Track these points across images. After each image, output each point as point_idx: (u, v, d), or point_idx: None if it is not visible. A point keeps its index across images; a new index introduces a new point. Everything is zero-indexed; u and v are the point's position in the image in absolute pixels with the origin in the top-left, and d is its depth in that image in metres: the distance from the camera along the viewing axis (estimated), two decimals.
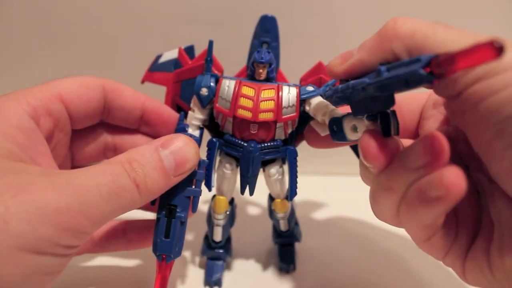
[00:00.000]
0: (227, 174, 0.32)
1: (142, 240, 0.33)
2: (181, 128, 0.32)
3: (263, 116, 0.30)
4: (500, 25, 0.49)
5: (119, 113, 0.31)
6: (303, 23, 0.48)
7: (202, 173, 0.29)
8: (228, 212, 0.34)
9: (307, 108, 0.31)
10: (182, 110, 0.34)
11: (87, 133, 0.32)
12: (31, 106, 0.26)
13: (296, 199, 0.39)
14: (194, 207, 0.30)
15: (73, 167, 0.32)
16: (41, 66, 0.51)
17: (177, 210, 0.28)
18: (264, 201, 0.37)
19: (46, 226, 0.20)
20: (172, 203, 0.28)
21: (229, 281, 0.36)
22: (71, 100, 0.28)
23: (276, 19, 0.33)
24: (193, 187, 0.29)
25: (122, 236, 0.33)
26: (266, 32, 0.33)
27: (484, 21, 0.48)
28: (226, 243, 0.36)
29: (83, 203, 0.22)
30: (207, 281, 0.35)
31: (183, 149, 0.26)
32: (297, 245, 0.39)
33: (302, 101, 0.31)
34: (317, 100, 0.30)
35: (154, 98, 0.33)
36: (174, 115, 0.33)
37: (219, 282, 0.35)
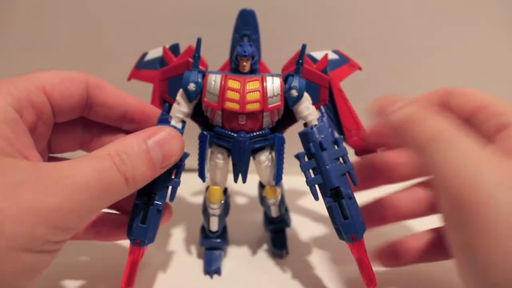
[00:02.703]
0: (219, 164, 0.33)
1: (110, 235, 0.33)
2: (164, 119, 0.32)
3: (250, 107, 0.31)
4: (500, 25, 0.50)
5: (101, 109, 0.31)
6: (286, 17, 0.49)
7: (183, 165, 0.31)
8: (222, 202, 0.35)
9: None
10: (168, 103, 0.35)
11: (65, 126, 0.31)
12: (15, 98, 0.25)
13: (287, 187, 0.41)
14: (172, 197, 0.31)
15: (49, 157, 0.32)
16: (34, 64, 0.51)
17: (156, 198, 0.30)
18: (255, 190, 0.39)
19: (39, 226, 0.22)
20: (152, 191, 0.30)
21: (228, 268, 0.37)
22: (53, 93, 0.28)
23: (255, 12, 0.34)
24: (173, 177, 0.31)
25: (91, 227, 0.33)
26: (246, 25, 0.34)
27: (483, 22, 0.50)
28: (223, 233, 0.37)
29: (74, 202, 0.23)
30: (207, 270, 0.36)
31: (169, 142, 0.28)
32: (289, 231, 0.40)
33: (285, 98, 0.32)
34: (300, 108, 0.32)
35: (136, 97, 0.33)
36: (158, 112, 0.33)
37: (218, 271, 0.36)
